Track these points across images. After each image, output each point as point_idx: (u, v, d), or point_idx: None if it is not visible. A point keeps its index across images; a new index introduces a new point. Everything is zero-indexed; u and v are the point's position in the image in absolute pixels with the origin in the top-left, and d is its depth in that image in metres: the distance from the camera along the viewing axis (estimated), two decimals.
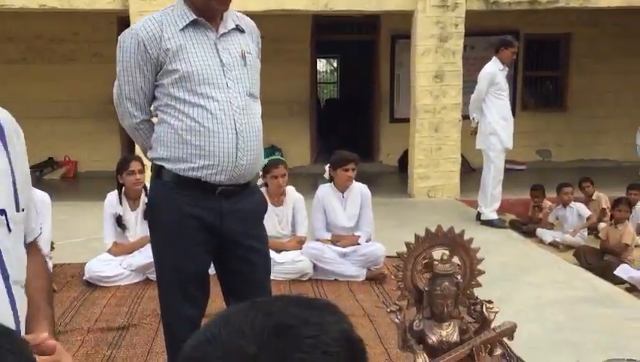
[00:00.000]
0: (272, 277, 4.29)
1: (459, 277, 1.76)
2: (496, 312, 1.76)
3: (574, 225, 6.87)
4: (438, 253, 1.86)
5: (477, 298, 1.80)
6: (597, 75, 10.69)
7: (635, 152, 9.77)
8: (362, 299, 4.20)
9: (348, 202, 4.83)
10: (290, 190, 4.90)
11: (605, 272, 5.64)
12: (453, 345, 1.71)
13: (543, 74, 11.31)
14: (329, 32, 10.86)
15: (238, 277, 2.37)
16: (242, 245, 2.33)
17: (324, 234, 4.85)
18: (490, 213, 6.63)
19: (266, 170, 4.70)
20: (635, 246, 6.17)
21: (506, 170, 10.92)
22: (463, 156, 8.65)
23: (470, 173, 9.76)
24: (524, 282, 4.59)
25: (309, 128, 10.93)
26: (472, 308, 1.77)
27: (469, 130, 6.87)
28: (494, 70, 6.40)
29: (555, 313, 3.92)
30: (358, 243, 4.74)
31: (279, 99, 10.72)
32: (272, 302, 0.74)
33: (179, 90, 2.18)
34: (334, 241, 4.79)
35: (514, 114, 11.48)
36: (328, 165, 4.84)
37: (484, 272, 1.91)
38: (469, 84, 8.94)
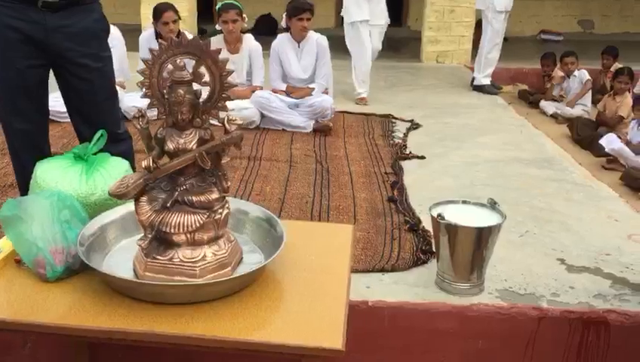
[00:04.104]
0: (219, 124, 4.45)
1: (200, 87, 1.73)
2: (239, 124, 1.74)
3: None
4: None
5: (225, 110, 1.78)
6: None
7: None
8: (297, 148, 4.22)
9: (303, 53, 4.73)
10: (248, 38, 4.82)
11: (592, 144, 5.38)
12: (190, 152, 1.72)
13: None
14: None
15: (77, 96, 2.42)
16: (76, 63, 2.35)
17: (280, 84, 4.81)
18: (482, 77, 6.35)
19: (218, 13, 4.62)
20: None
21: (541, 41, 10.39)
22: None
23: (504, 42, 9.26)
24: (474, 142, 4.46)
25: None
26: (217, 119, 1.75)
27: None
28: None
29: (480, 170, 3.83)
30: (312, 95, 4.69)
31: None
32: None
33: None
34: (289, 92, 4.76)
35: None
36: (285, 13, 4.69)
37: (235, 85, 1.86)
38: None
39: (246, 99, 4.68)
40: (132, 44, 5.11)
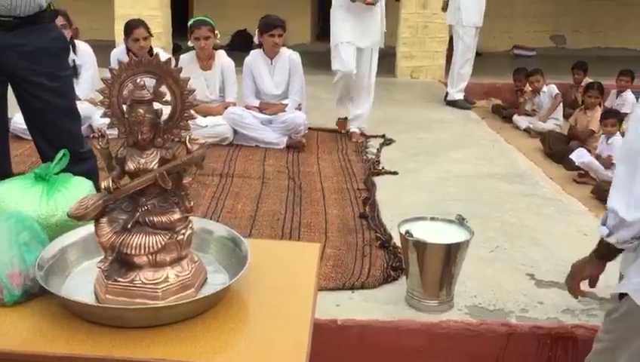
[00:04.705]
0: None
1: (162, 106, 1.71)
2: (201, 144, 1.72)
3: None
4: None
5: (188, 129, 1.76)
6: None
7: None
8: (269, 164, 4.21)
9: (276, 69, 4.74)
10: (220, 54, 4.81)
11: (564, 158, 5.44)
12: (151, 172, 1.69)
13: None
14: None
15: (35, 115, 2.39)
16: (32, 82, 2.33)
17: (253, 100, 4.80)
18: (455, 93, 6.42)
19: (190, 30, 4.62)
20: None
21: (514, 56, 10.54)
22: None
23: (477, 57, 9.38)
24: (446, 157, 4.49)
25: (310, 5, 10.58)
26: (180, 139, 1.73)
27: (441, 5, 6.53)
28: None
29: (453, 185, 3.86)
30: (285, 111, 4.69)
31: None
32: None
33: None
34: (262, 108, 4.76)
35: None
36: (257, 30, 4.71)
37: (197, 105, 1.85)
38: None
39: (219, 116, 4.67)
40: (106, 60, 5.08)
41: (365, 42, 4.81)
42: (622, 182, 1.63)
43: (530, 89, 7.05)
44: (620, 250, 1.76)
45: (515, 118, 6.82)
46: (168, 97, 1.81)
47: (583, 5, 10.20)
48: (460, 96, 6.43)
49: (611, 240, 1.70)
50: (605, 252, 1.80)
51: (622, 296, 1.71)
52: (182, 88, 1.76)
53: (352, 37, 4.74)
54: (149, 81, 1.74)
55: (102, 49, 5.67)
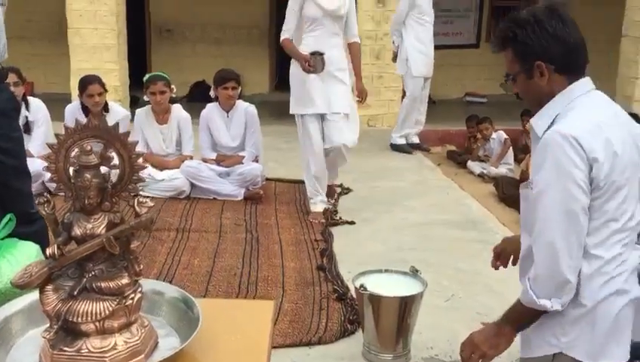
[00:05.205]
0: (150, 195, 4.40)
1: (111, 170, 1.71)
2: (149, 207, 1.71)
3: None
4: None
5: (138, 192, 1.76)
6: (567, 5, 10.30)
7: (600, 87, 9.46)
8: (227, 217, 4.20)
9: (232, 122, 4.77)
10: (176, 108, 4.84)
11: (517, 202, 5.55)
12: (98, 237, 1.67)
13: (512, 3, 10.90)
14: None
15: None
16: None
17: (209, 153, 4.82)
18: (398, 137, 6.61)
19: (146, 85, 4.64)
20: None
21: (467, 103, 10.86)
22: None
23: (431, 105, 9.63)
24: (402, 206, 4.56)
25: (269, 55, 10.75)
26: (128, 202, 1.73)
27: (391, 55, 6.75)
28: None
29: (408, 234, 3.91)
30: (242, 163, 4.72)
31: (239, 25, 10.54)
32: None
33: None
34: (219, 161, 4.77)
35: (478, 45, 11.32)
36: (213, 84, 4.76)
37: (145, 167, 1.86)
38: None
39: (176, 169, 4.66)
40: (63, 115, 5.03)
41: (338, 108, 4.18)
42: (563, 246, 1.65)
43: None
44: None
45: (469, 163, 6.98)
46: (116, 161, 1.81)
47: None
48: (401, 141, 6.61)
49: (557, 306, 1.69)
50: (530, 320, 1.78)
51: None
52: (130, 151, 1.76)
53: (318, 107, 4.14)
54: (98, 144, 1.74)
55: (58, 103, 5.64)
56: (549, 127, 1.71)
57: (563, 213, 1.64)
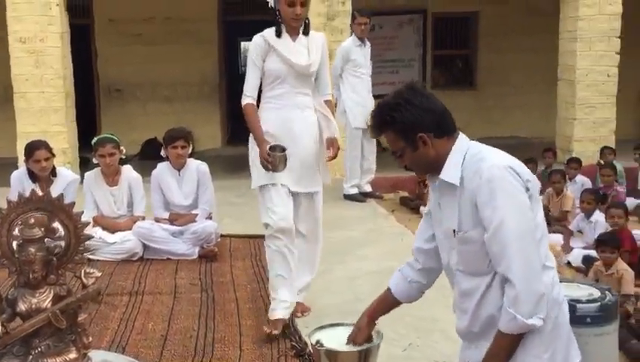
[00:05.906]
0: (101, 258, 4.32)
1: (57, 242, 1.70)
2: (97, 277, 1.70)
3: None
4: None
5: (84, 263, 1.75)
6: (505, 53, 10.75)
7: (543, 128, 9.76)
8: (181, 277, 4.16)
9: (184, 180, 4.77)
10: (126, 169, 4.81)
11: None
12: (44, 312, 1.65)
13: (453, 53, 11.35)
14: (237, 13, 10.77)
15: None
16: None
17: (162, 213, 4.79)
18: (349, 187, 6.69)
19: (95, 148, 4.62)
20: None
21: None
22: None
23: (381, 152, 9.80)
24: (357, 255, 4.59)
25: (220, 110, 10.82)
26: (75, 273, 1.71)
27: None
28: (349, 46, 6.41)
29: (363, 284, 3.93)
30: (196, 221, 4.69)
31: (189, 82, 10.60)
32: None
33: None
34: (172, 220, 4.73)
35: None
36: (162, 143, 4.77)
37: (91, 236, 1.86)
38: (377, 64, 8.95)
39: (128, 231, 4.59)
40: (7, 180, 4.91)
41: (312, 185, 3.47)
42: (536, 262, 1.82)
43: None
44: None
45: (422, 208, 7.09)
46: (62, 232, 1.80)
47: (476, 100, 11.01)
48: (353, 190, 6.70)
49: (539, 322, 1.80)
50: (514, 348, 1.85)
51: None
52: (75, 222, 1.76)
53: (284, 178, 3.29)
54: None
55: (5, 167, 5.54)
56: (461, 175, 1.90)
57: (527, 233, 1.82)
